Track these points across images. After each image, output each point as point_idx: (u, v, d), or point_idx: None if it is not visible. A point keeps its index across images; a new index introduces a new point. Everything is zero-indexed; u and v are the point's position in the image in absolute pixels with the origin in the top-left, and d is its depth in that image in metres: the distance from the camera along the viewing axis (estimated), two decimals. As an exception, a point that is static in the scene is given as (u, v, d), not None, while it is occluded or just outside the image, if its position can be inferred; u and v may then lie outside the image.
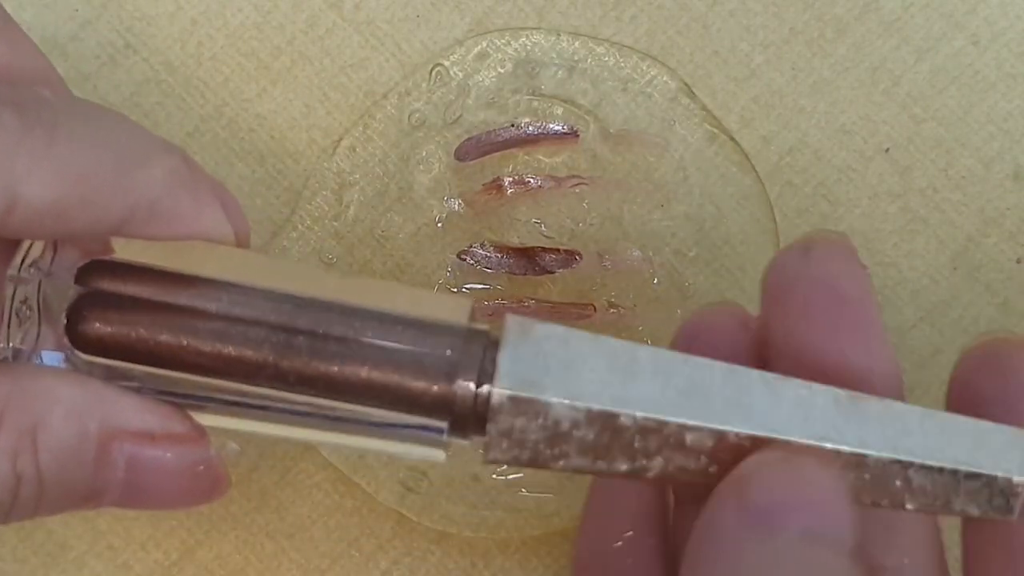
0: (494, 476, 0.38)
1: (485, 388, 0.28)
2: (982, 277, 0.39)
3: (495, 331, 0.29)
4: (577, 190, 0.39)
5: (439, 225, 0.40)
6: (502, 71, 0.40)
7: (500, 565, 0.39)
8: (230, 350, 0.29)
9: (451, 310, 0.30)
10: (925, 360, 0.39)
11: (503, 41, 0.40)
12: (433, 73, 0.40)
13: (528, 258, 0.39)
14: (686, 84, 0.40)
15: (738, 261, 0.39)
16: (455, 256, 0.39)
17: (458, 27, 0.41)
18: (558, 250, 0.39)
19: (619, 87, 0.40)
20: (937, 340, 0.39)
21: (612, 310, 0.39)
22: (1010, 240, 0.40)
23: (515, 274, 0.39)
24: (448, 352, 0.29)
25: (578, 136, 0.40)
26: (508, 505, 0.38)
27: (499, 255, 0.39)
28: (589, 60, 0.40)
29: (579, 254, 0.39)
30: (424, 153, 0.40)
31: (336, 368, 0.29)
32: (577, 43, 0.40)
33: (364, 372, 0.29)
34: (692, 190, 0.40)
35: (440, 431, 0.29)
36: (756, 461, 0.26)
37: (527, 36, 0.40)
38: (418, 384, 0.29)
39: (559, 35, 0.40)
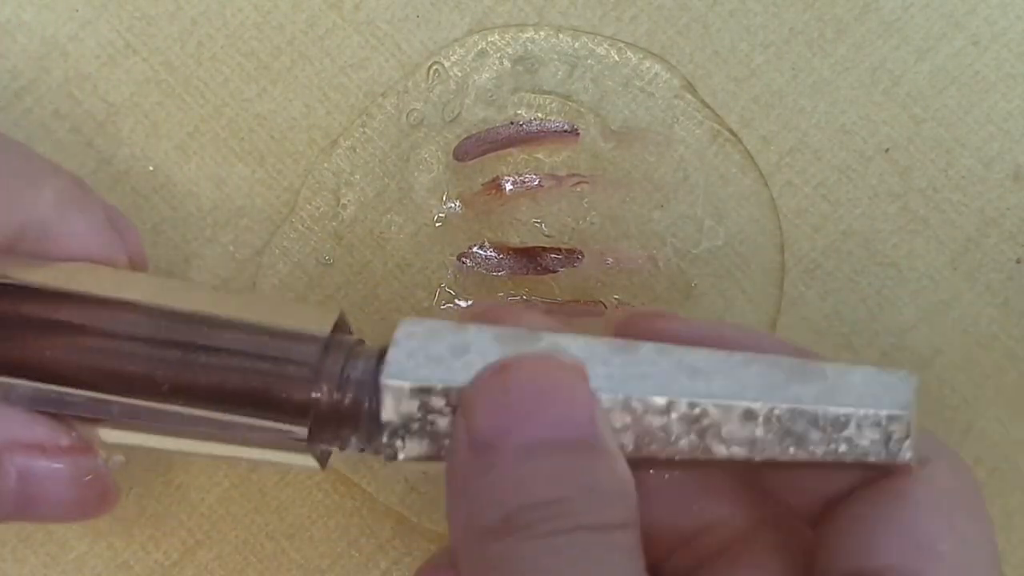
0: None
1: (345, 394, 0.30)
2: (982, 277, 0.39)
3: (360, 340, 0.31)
4: (578, 189, 0.39)
5: (438, 225, 0.40)
6: (501, 69, 0.40)
7: (500, 565, 0.38)
8: (109, 364, 0.30)
9: (316, 320, 0.31)
10: (925, 360, 0.39)
11: (503, 40, 0.40)
12: (431, 71, 0.40)
13: (529, 258, 0.39)
14: (688, 82, 0.40)
15: (739, 261, 0.39)
16: (455, 258, 0.39)
17: (458, 27, 0.41)
18: (559, 249, 0.39)
19: (620, 85, 0.40)
20: (937, 340, 0.39)
21: (620, 308, 0.39)
22: (1010, 240, 0.40)
23: (516, 274, 0.39)
24: (310, 360, 0.30)
25: (579, 134, 0.40)
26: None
27: (500, 255, 0.39)
28: (590, 59, 0.40)
29: (581, 253, 0.39)
30: (423, 153, 0.40)
31: (204, 379, 0.30)
32: (578, 41, 0.40)
33: (231, 381, 0.30)
34: (693, 189, 0.40)
35: (301, 437, 0.30)
36: (475, 385, 0.26)
37: (527, 33, 0.40)
38: (281, 391, 0.30)
39: (559, 33, 0.40)
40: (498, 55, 0.40)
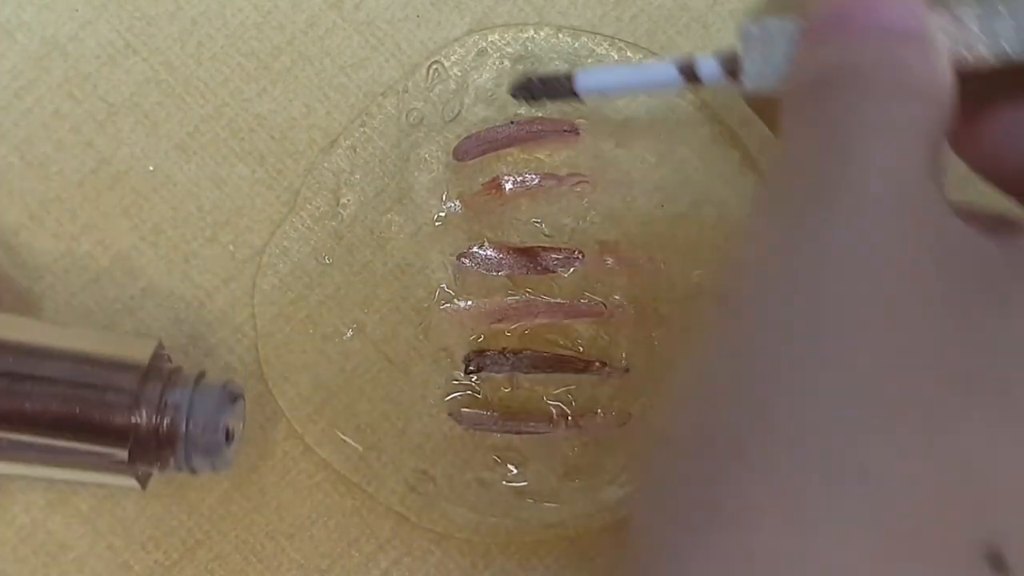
0: (503, 484, 0.38)
1: (163, 418, 0.34)
2: (982, 277, 0.39)
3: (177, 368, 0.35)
4: (578, 189, 0.39)
5: (438, 225, 0.40)
6: (501, 68, 0.40)
7: (500, 566, 0.39)
8: None
9: (136, 350, 0.35)
10: (925, 360, 0.39)
11: (502, 40, 0.40)
12: (431, 70, 0.40)
13: (529, 258, 0.39)
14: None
15: (738, 261, 0.39)
16: (455, 258, 0.39)
17: (458, 27, 0.41)
18: (559, 249, 0.39)
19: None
20: (937, 340, 0.39)
21: (621, 308, 0.39)
22: (1010, 240, 0.39)
23: (516, 274, 0.39)
24: (129, 387, 0.34)
25: (579, 134, 0.40)
26: (513, 513, 0.38)
27: (500, 255, 0.39)
28: (590, 58, 0.40)
29: (581, 253, 0.39)
30: (423, 153, 0.40)
31: (29, 406, 0.33)
32: (578, 41, 0.40)
33: (55, 408, 0.33)
34: (693, 189, 0.40)
35: (122, 460, 0.34)
36: None
37: (527, 33, 0.40)
38: (102, 417, 0.34)
39: (559, 32, 0.40)
40: (498, 55, 0.40)
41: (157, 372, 0.35)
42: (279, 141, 0.40)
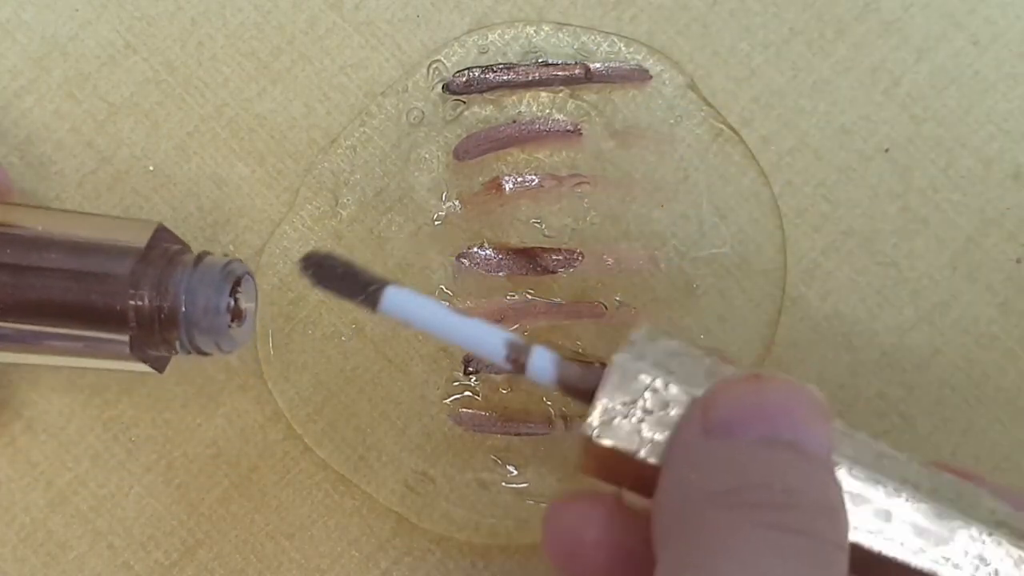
0: (503, 485, 0.38)
1: (164, 300, 0.33)
2: (982, 277, 0.39)
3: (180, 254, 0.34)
4: (578, 189, 0.39)
5: (438, 224, 0.40)
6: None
7: (500, 565, 0.39)
8: None
9: (137, 233, 0.34)
10: (925, 360, 0.39)
11: (502, 40, 0.40)
12: (431, 70, 0.40)
13: (529, 258, 0.39)
14: (691, 80, 0.40)
15: (739, 261, 0.39)
16: (455, 258, 0.39)
17: (458, 27, 0.41)
18: (559, 250, 0.39)
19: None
20: (937, 340, 0.39)
21: (621, 308, 0.39)
22: (1010, 240, 0.40)
23: (516, 274, 0.39)
24: (127, 270, 0.33)
25: (580, 134, 0.40)
26: (513, 514, 0.38)
27: (500, 255, 0.39)
28: (597, 53, 0.40)
29: (581, 253, 0.39)
30: (423, 152, 0.40)
31: (32, 296, 0.33)
32: (578, 41, 0.40)
33: (57, 296, 0.33)
34: (693, 189, 0.40)
35: (123, 344, 0.34)
36: (721, 385, 0.27)
37: (527, 32, 0.40)
38: (102, 302, 0.33)
39: (559, 31, 0.40)
40: (499, 54, 0.40)
41: (159, 254, 0.34)
42: (279, 141, 0.40)
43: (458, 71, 0.40)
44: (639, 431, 0.27)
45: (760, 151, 0.40)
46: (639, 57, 0.40)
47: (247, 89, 0.40)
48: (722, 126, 0.40)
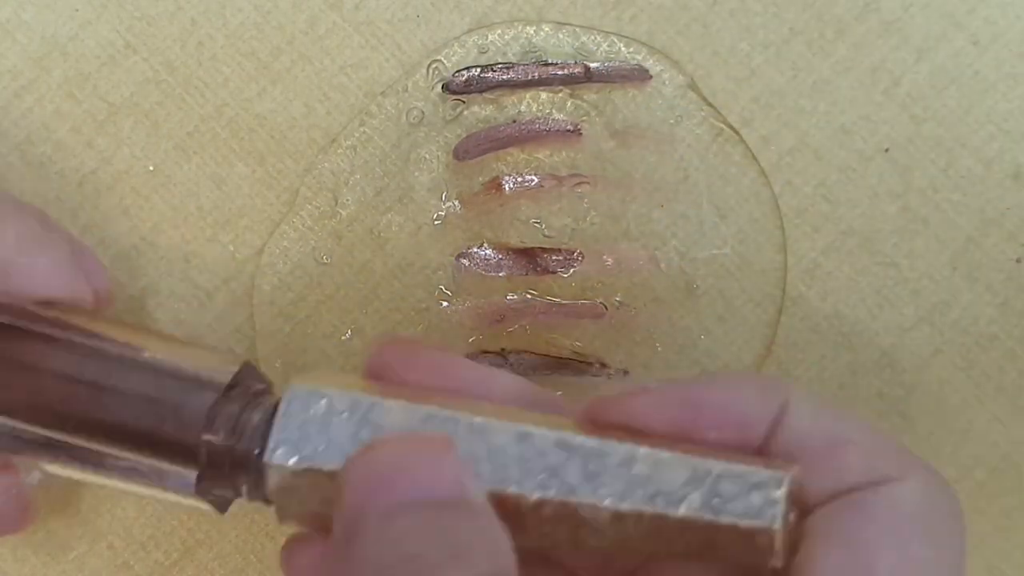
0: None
1: (239, 441, 0.31)
2: (982, 277, 0.39)
3: (268, 392, 0.32)
4: (578, 189, 0.39)
5: (438, 224, 0.40)
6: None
7: (500, 565, 0.38)
8: (20, 394, 0.32)
9: (221, 366, 0.32)
10: (925, 360, 0.39)
11: (502, 39, 0.40)
12: (431, 69, 0.40)
13: (529, 258, 0.39)
14: (692, 79, 0.40)
15: (740, 261, 0.39)
16: (455, 258, 0.39)
17: (458, 27, 0.41)
18: (559, 250, 0.39)
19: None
20: (937, 340, 0.39)
21: (621, 308, 0.39)
22: (1010, 240, 0.40)
23: (516, 274, 0.39)
24: (205, 405, 0.31)
25: (581, 134, 0.40)
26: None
27: (499, 256, 0.39)
28: (598, 53, 0.40)
29: (580, 254, 0.39)
30: (423, 152, 0.40)
31: (108, 417, 0.32)
32: (578, 40, 0.40)
33: (132, 421, 0.32)
34: (693, 189, 0.40)
35: (190, 480, 0.32)
36: (345, 466, 0.27)
37: (527, 32, 0.40)
38: (174, 433, 0.31)
39: (559, 31, 0.40)
40: (499, 54, 0.40)
41: (242, 391, 0.32)
42: (279, 141, 0.40)
43: (458, 70, 0.40)
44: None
45: (760, 151, 0.40)
46: (639, 57, 0.40)
47: (247, 89, 0.40)
48: (722, 126, 0.40)
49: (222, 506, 0.33)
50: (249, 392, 0.32)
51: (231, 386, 0.32)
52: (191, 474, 0.32)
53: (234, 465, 0.31)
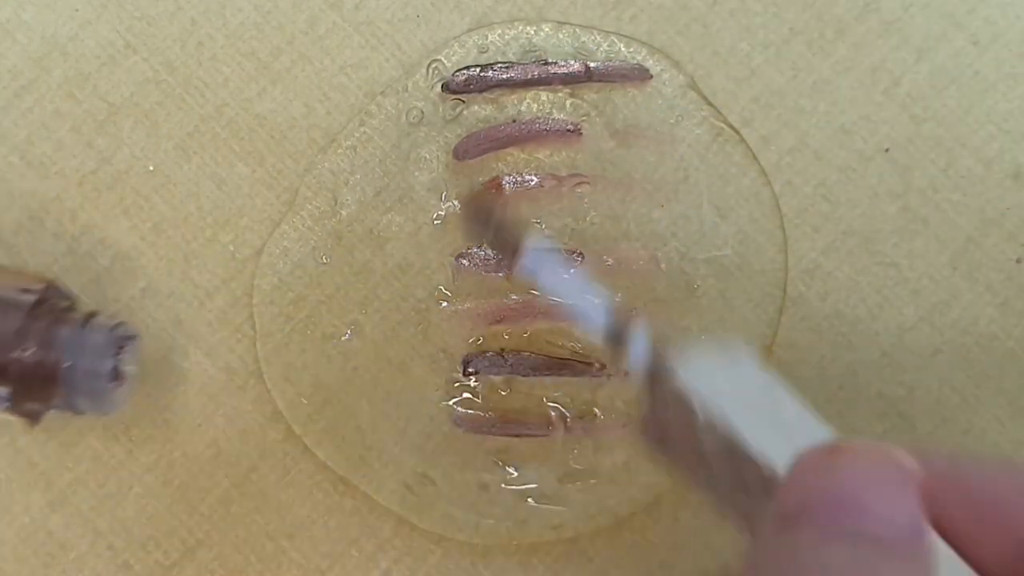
0: (503, 486, 0.38)
1: (48, 354, 0.34)
2: (982, 277, 0.39)
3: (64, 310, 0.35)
4: (579, 189, 0.39)
5: (437, 224, 0.40)
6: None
7: (500, 565, 0.39)
8: None
9: (25, 286, 0.35)
10: (925, 360, 0.39)
11: (502, 39, 0.40)
12: (431, 69, 0.40)
13: (528, 258, 0.39)
14: (692, 79, 0.40)
15: (740, 261, 0.39)
16: (454, 258, 0.39)
17: (458, 27, 0.41)
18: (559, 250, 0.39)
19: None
20: (937, 340, 0.39)
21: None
22: (1010, 240, 0.40)
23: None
24: (13, 327, 0.34)
25: (581, 134, 0.40)
26: (513, 515, 0.38)
27: (499, 256, 0.39)
28: (598, 52, 0.40)
29: (581, 254, 0.39)
30: (423, 152, 0.40)
31: None
32: (579, 39, 0.40)
33: None
34: (693, 189, 0.40)
35: (3, 396, 0.34)
36: (796, 466, 0.25)
37: (527, 31, 0.40)
38: None
39: (559, 31, 0.40)
40: (498, 53, 0.40)
41: (47, 310, 0.35)
42: (279, 141, 0.40)
43: (457, 70, 0.40)
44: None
45: (760, 151, 0.40)
46: (639, 57, 0.40)
47: (247, 89, 0.40)
48: (723, 125, 0.40)
49: (34, 418, 0.35)
50: (56, 309, 0.35)
51: (37, 304, 0.35)
52: (4, 390, 0.34)
53: (45, 379, 0.34)
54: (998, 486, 0.25)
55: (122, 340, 0.36)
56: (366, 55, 0.40)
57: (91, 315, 0.36)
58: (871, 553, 0.23)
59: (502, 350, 0.38)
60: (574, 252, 0.39)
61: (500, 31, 0.40)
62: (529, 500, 0.38)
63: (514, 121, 0.40)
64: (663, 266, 0.39)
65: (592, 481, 0.38)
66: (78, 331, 0.35)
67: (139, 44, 0.40)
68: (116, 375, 0.36)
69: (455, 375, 0.39)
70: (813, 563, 0.23)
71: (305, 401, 0.39)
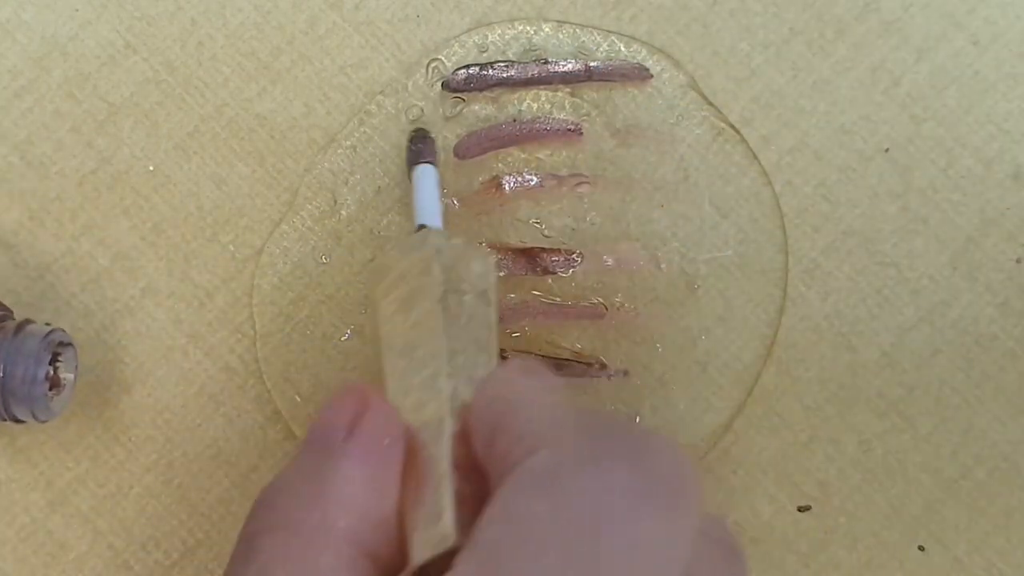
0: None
1: None
2: (982, 277, 0.39)
3: None
4: (579, 189, 0.39)
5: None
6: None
7: (500, 565, 0.38)
8: None
9: None
10: (925, 360, 0.39)
11: (502, 38, 0.40)
12: (431, 69, 0.40)
13: (528, 258, 0.39)
14: (692, 79, 0.40)
15: (740, 261, 0.39)
16: (454, 257, 0.39)
17: (458, 26, 0.41)
18: (559, 250, 0.39)
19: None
20: (937, 340, 0.39)
21: (621, 308, 0.39)
22: (1010, 240, 0.40)
23: (515, 275, 0.39)
24: None
25: (581, 134, 0.40)
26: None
27: (499, 256, 0.39)
28: (598, 52, 0.40)
29: (581, 254, 0.39)
30: (424, 152, 0.40)
31: None
32: (579, 39, 0.40)
33: None
34: (693, 189, 0.40)
35: None
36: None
37: (527, 31, 0.40)
38: None
39: (559, 31, 0.40)
40: (498, 53, 0.40)
41: None
42: (279, 141, 0.40)
43: (457, 68, 0.40)
44: None
45: (760, 151, 0.40)
46: (639, 57, 0.40)
47: (247, 89, 0.40)
48: (723, 125, 0.40)
49: None
50: None
51: None
52: None
53: None
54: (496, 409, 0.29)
55: (57, 347, 0.36)
56: (366, 55, 0.40)
57: (25, 322, 0.36)
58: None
59: (502, 350, 0.38)
60: (574, 252, 0.39)
61: (500, 31, 0.40)
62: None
63: (514, 120, 0.40)
64: (663, 266, 0.39)
65: None
66: (11, 339, 0.35)
67: (139, 44, 0.40)
68: (53, 382, 0.36)
69: (455, 375, 0.39)
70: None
71: (305, 401, 0.39)
